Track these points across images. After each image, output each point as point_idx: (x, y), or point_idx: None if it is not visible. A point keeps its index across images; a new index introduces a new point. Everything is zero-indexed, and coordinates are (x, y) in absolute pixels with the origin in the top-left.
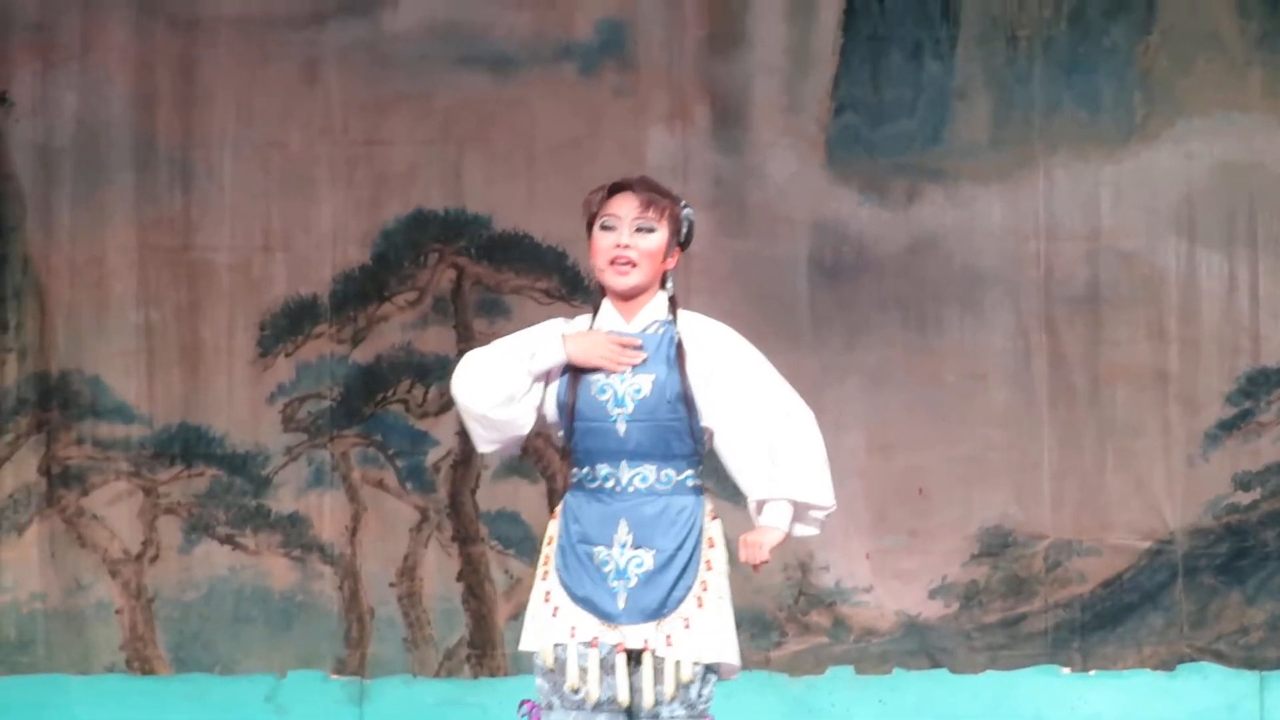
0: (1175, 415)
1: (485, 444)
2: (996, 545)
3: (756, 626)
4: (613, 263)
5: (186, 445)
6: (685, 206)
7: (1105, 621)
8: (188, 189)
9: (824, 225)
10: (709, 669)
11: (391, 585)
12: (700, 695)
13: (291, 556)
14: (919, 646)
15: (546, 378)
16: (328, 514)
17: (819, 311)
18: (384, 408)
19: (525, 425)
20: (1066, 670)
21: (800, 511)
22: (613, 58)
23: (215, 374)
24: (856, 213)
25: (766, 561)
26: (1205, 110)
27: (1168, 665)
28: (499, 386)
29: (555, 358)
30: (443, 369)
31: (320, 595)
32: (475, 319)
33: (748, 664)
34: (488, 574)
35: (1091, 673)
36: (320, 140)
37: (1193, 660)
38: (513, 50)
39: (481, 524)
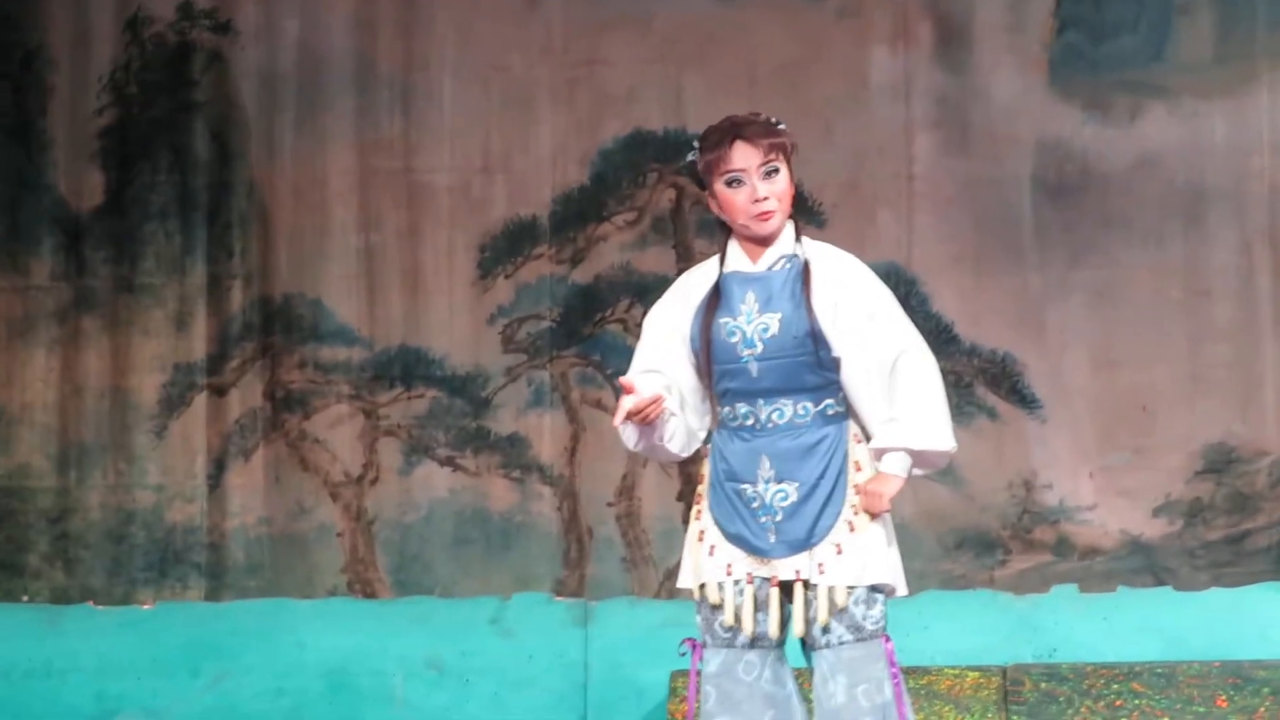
0: None
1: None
2: (1220, 462)
3: (980, 545)
4: (756, 216)
5: (406, 367)
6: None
7: None
8: (408, 112)
9: (1047, 144)
10: (874, 590)
11: (610, 505)
12: (867, 617)
13: (511, 478)
14: (1143, 564)
15: (678, 351)
16: (547, 435)
17: (1042, 231)
18: (602, 328)
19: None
20: None
21: (920, 456)
22: None
23: (435, 296)
24: (1079, 131)
25: (887, 510)
26: None
27: None
28: (657, 442)
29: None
30: (662, 288)
31: (539, 516)
32: (695, 239)
33: (973, 582)
34: None
35: None
36: (540, 62)
37: None
38: None
39: (703, 442)
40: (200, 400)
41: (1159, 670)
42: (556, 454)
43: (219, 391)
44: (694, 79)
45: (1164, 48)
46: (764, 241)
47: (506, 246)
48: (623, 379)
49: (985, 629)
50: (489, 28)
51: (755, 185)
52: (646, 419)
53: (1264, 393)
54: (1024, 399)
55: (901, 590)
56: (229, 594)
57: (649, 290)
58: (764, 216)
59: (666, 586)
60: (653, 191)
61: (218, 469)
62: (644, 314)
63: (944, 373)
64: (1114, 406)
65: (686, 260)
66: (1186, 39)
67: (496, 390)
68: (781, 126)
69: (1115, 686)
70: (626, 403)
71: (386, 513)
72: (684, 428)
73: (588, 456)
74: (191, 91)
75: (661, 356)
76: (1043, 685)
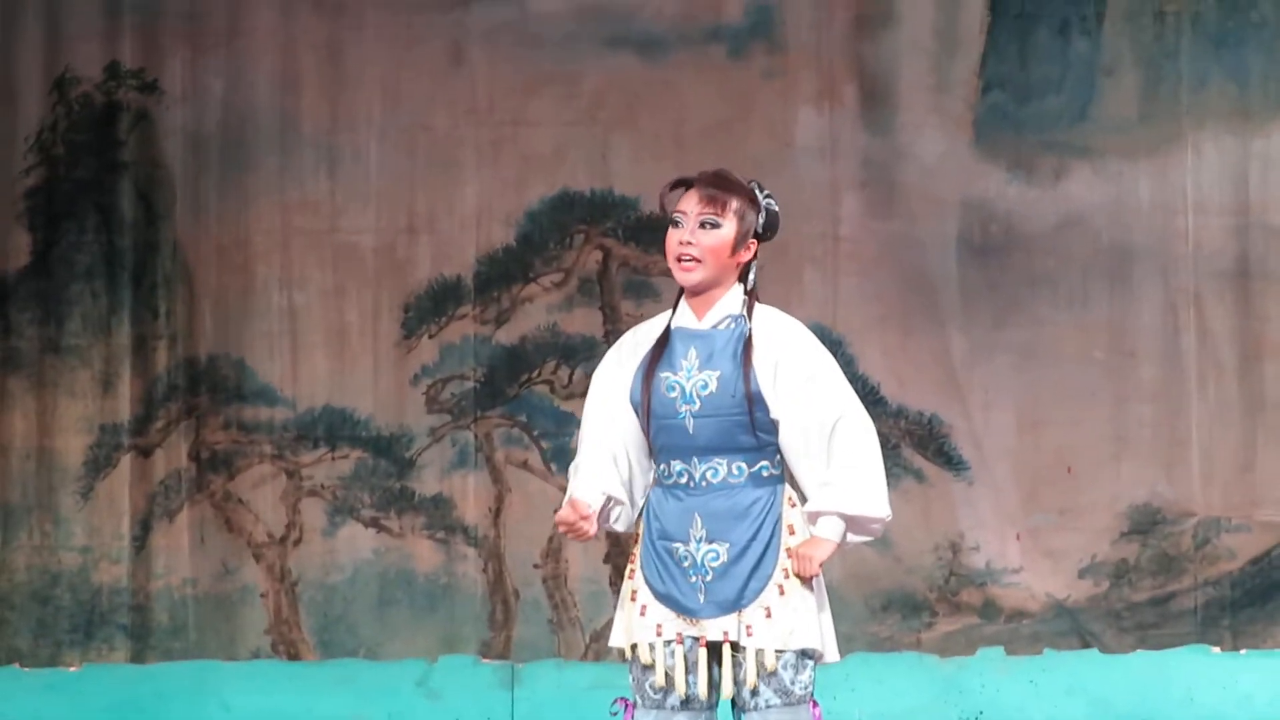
0: None
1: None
2: (1146, 523)
3: (907, 608)
4: (678, 260)
5: (330, 428)
6: (767, 196)
7: (1255, 599)
8: (333, 172)
9: (972, 204)
10: (804, 655)
11: (536, 567)
12: (795, 681)
13: (435, 539)
14: (1069, 627)
15: (620, 414)
16: (471, 496)
17: (968, 290)
18: (528, 389)
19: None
20: (1217, 649)
21: (854, 522)
22: (762, 39)
23: (360, 356)
24: (1004, 191)
25: (817, 574)
26: None
27: None
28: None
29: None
30: (589, 350)
31: (464, 578)
32: (622, 301)
33: (900, 645)
34: None
35: (1242, 651)
36: (465, 122)
37: None
38: (661, 32)
39: None
40: (126, 461)
41: None
42: (481, 515)
43: (144, 452)
44: (621, 139)
45: (1089, 108)
46: (702, 295)
47: (431, 307)
48: (575, 499)
49: (912, 691)
50: (414, 87)
51: (686, 230)
52: (579, 536)
53: (1189, 453)
54: (950, 460)
55: (831, 656)
56: (154, 655)
57: (575, 351)
58: (684, 263)
59: (593, 648)
60: (579, 253)
61: (143, 530)
62: (571, 375)
63: None
64: (1039, 468)
65: (613, 322)
66: (1111, 99)
67: (420, 451)
68: (747, 185)
69: None
70: (565, 514)
71: (310, 574)
72: (628, 514)
73: (513, 518)
74: (118, 152)
75: (608, 428)
76: None
